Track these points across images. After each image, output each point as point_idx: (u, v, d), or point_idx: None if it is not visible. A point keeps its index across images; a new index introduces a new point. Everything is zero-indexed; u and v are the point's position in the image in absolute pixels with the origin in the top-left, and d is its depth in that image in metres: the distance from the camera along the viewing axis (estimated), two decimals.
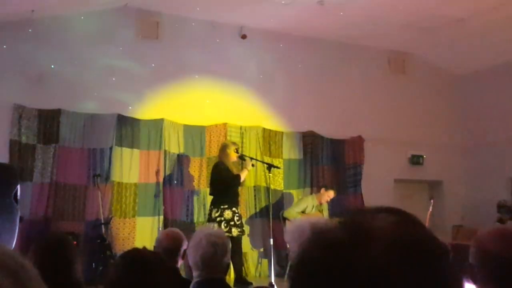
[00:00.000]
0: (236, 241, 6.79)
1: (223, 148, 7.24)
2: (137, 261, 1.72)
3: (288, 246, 3.23)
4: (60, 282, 2.34)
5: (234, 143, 7.43)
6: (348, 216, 0.73)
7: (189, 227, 7.64)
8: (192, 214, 8.11)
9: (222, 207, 6.86)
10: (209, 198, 7.25)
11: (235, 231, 6.74)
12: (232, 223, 6.81)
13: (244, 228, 7.08)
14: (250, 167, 7.12)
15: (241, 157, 7.25)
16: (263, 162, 8.13)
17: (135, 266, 1.69)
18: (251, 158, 8.03)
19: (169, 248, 3.44)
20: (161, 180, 7.98)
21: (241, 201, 8.18)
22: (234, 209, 6.91)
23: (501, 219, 8.28)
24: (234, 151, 7.12)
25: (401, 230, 0.68)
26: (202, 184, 8.19)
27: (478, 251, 1.78)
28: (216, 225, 6.65)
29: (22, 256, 0.60)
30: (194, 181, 8.25)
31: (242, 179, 7.08)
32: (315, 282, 0.67)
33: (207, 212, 7.27)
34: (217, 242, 2.65)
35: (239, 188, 7.86)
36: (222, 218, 6.79)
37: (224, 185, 6.95)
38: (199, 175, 8.24)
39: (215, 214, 6.88)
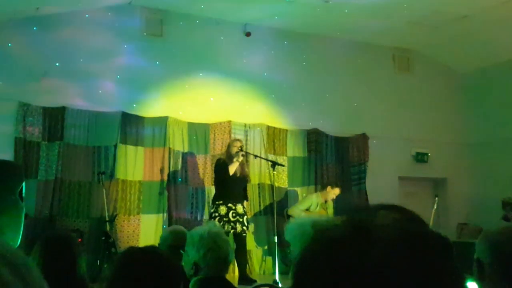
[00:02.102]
0: (239, 238, 6.78)
1: (227, 147, 7.31)
2: (134, 260, 1.72)
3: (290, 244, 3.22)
4: (64, 280, 2.35)
5: (238, 140, 7.43)
6: (349, 214, 0.73)
7: (193, 225, 7.64)
8: (196, 212, 8.11)
9: (217, 203, 6.87)
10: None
11: (227, 227, 6.60)
12: (225, 219, 6.72)
13: (241, 226, 6.83)
14: (240, 158, 6.99)
15: (236, 153, 7.17)
16: (267, 160, 8.13)
17: (131, 265, 1.70)
18: (255, 156, 8.06)
19: (173, 246, 3.46)
20: (165, 177, 8.00)
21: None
22: (230, 205, 6.82)
23: (506, 217, 8.25)
24: (237, 148, 7.09)
25: (401, 227, 0.69)
26: (207, 181, 8.19)
27: (491, 248, 1.76)
28: (216, 222, 6.64)
29: (24, 253, 0.60)
30: (198, 178, 8.26)
31: (231, 171, 6.89)
32: (317, 280, 0.67)
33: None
34: (216, 240, 2.64)
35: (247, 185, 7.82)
36: (217, 214, 6.77)
37: (218, 181, 6.99)
38: (204, 172, 8.24)
39: (211, 210, 6.93)
